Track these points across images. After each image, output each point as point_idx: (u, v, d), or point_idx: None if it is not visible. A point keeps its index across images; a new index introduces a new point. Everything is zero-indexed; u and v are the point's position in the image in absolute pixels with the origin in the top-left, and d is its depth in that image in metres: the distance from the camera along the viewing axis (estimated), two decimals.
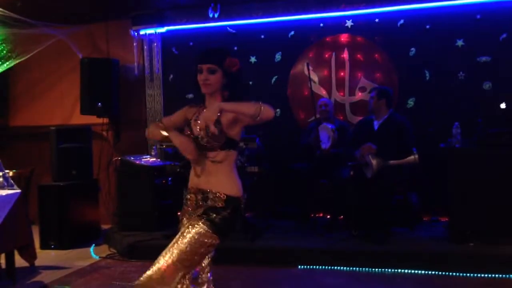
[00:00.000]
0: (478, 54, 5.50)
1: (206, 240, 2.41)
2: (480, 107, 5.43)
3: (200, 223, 2.42)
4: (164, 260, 2.39)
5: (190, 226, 2.42)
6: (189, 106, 2.67)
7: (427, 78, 5.69)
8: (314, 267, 4.58)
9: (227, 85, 2.52)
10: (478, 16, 5.49)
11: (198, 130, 2.50)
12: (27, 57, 6.20)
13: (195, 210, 2.51)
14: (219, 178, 2.49)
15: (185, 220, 2.56)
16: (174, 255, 2.38)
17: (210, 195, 2.48)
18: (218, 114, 2.35)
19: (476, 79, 5.51)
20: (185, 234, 2.41)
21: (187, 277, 2.44)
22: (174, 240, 2.43)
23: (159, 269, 2.39)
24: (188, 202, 2.57)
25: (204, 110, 2.42)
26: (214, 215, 2.43)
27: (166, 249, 2.43)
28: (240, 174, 5.15)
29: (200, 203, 2.50)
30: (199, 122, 2.50)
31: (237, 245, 4.78)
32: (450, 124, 4.85)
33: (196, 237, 2.39)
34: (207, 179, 2.50)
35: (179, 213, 2.66)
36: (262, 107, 2.35)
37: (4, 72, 6.27)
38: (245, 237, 4.89)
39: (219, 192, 2.47)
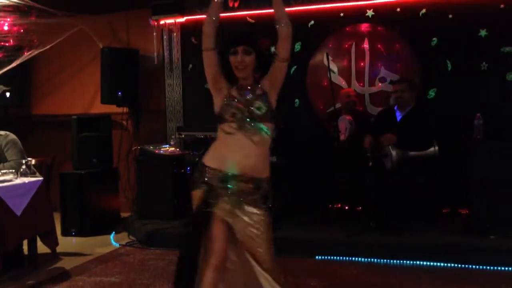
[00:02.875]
0: (501, 44, 5.39)
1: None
2: (503, 98, 5.33)
3: (264, 212, 2.51)
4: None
5: (254, 221, 2.48)
6: (223, 77, 2.62)
7: (449, 68, 5.59)
8: (332, 257, 4.58)
9: (259, 66, 2.57)
10: (502, 6, 5.38)
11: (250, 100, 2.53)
12: (48, 46, 6.27)
13: (244, 199, 2.50)
14: (265, 161, 2.55)
15: (226, 210, 2.50)
16: (272, 256, 2.52)
17: (262, 182, 2.53)
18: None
19: (499, 70, 5.41)
20: (257, 229, 2.48)
21: None
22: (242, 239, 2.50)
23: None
24: (233, 191, 2.49)
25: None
26: (268, 202, 2.53)
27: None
28: None
29: (251, 191, 2.50)
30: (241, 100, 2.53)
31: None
32: (472, 115, 4.78)
33: (268, 227, 2.51)
34: (258, 162, 2.51)
35: (215, 210, 2.52)
36: (287, 22, 2.51)
37: (26, 61, 6.34)
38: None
39: (266, 177, 2.55)
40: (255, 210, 2.49)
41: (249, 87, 2.58)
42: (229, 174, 2.50)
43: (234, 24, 6.25)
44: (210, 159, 2.57)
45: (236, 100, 2.53)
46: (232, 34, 2.61)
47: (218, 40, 2.60)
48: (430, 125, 4.87)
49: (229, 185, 2.50)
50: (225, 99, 2.55)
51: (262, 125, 2.50)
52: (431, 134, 4.83)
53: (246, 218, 2.48)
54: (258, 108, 2.50)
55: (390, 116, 5.11)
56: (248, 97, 2.54)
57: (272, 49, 2.59)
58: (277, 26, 2.53)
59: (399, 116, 5.05)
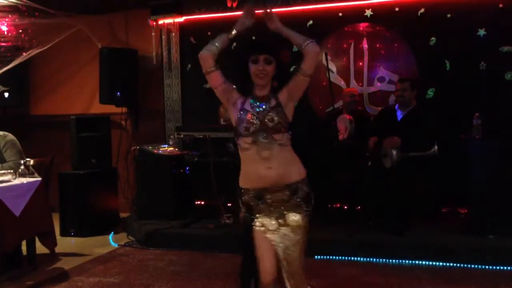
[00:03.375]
0: (500, 43, 5.40)
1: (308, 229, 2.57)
2: (502, 97, 5.34)
3: (301, 217, 2.52)
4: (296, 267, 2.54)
5: (293, 226, 2.50)
6: (235, 91, 2.61)
7: (448, 68, 5.60)
8: (331, 257, 4.57)
9: (277, 76, 2.57)
10: (501, 5, 5.38)
11: (266, 115, 2.50)
12: (47, 46, 6.26)
13: (285, 206, 2.51)
14: (295, 163, 2.56)
15: (266, 225, 2.52)
16: (300, 258, 2.54)
17: (299, 185, 2.52)
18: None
19: (498, 69, 5.41)
20: (295, 233, 2.51)
21: None
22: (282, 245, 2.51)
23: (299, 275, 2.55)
24: (268, 204, 2.51)
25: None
26: (308, 204, 2.54)
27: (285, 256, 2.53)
28: None
29: (287, 198, 2.51)
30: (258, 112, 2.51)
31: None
32: (471, 115, 4.78)
33: (305, 232, 2.54)
34: (285, 169, 2.50)
35: (259, 226, 2.54)
36: (310, 40, 2.50)
37: (24, 61, 6.34)
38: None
39: (302, 179, 2.54)
40: (296, 215, 2.52)
41: (265, 99, 2.56)
42: (262, 188, 2.52)
43: (232, 24, 6.25)
44: (242, 181, 2.59)
45: (249, 114, 2.52)
46: (253, 41, 2.62)
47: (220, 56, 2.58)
48: (431, 125, 4.86)
49: (266, 199, 2.51)
50: (238, 113, 2.54)
51: (275, 136, 2.49)
52: (432, 135, 4.82)
53: (286, 228, 2.51)
54: (270, 120, 2.49)
55: (391, 115, 5.09)
56: (261, 109, 2.52)
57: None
58: (303, 47, 2.51)
59: (400, 115, 5.03)
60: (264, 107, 2.52)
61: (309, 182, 2.58)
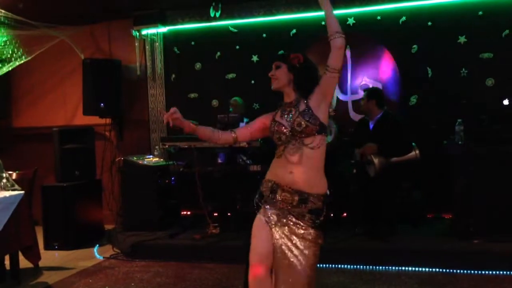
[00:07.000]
0: (480, 50, 5.49)
1: (320, 243, 2.58)
2: (483, 103, 5.41)
3: (310, 231, 2.54)
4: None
5: (302, 240, 2.53)
6: (266, 115, 2.78)
7: (430, 75, 5.67)
8: (318, 265, 4.56)
9: (294, 79, 2.69)
10: (480, 13, 5.48)
11: (292, 120, 2.58)
12: (29, 58, 6.22)
13: (290, 209, 2.56)
14: (315, 177, 2.59)
15: (274, 219, 2.58)
16: (308, 272, 2.59)
17: (310, 197, 2.55)
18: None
19: (478, 76, 5.50)
20: (303, 248, 2.54)
21: None
22: (285, 253, 2.55)
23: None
24: (279, 201, 2.57)
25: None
26: (318, 219, 2.56)
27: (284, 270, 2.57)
28: (243, 173, 5.13)
29: (295, 204, 2.55)
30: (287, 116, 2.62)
31: (241, 244, 4.78)
32: (453, 121, 4.84)
33: (317, 247, 2.57)
34: (303, 178, 2.55)
35: (267, 216, 2.60)
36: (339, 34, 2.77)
37: (6, 73, 6.28)
38: (249, 235, 4.87)
39: (317, 194, 2.57)
40: (301, 223, 2.55)
41: (293, 105, 2.65)
42: (278, 183, 2.59)
43: (216, 33, 6.28)
44: (267, 175, 2.70)
45: (279, 124, 2.62)
46: None
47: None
48: (402, 130, 4.89)
49: (277, 195, 2.58)
50: (270, 126, 2.68)
51: (306, 140, 2.55)
52: (406, 139, 4.86)
53: (287, 229, 2.55)
54: (298, 125, 2.56)
55: (365, 125, 5.18)
56: (290, 115, 2.62)
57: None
58: (331, 38, 2.74)
59: (371, 125, 5.11)
60: (293, 112, 2.61)
61: (326, 201, 2.62)
